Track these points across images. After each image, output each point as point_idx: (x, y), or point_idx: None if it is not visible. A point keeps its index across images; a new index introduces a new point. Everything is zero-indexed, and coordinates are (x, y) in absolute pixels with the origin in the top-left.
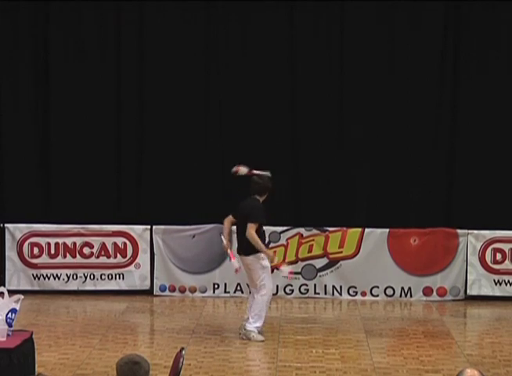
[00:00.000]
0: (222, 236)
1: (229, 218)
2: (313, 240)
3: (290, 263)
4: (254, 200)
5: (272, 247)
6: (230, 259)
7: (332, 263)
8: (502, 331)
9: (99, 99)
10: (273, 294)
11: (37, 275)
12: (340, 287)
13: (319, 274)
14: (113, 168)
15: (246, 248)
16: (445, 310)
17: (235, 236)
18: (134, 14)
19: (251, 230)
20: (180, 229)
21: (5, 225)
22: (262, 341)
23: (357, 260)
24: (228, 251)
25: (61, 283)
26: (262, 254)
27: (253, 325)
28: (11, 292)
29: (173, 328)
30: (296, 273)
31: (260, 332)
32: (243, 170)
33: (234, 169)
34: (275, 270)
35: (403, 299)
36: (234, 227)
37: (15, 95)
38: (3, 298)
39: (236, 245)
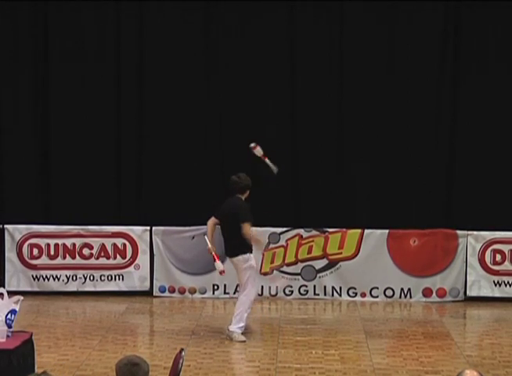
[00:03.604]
0: (206, 238)
1: (213, 220)
2: (313, 241)
3: (290, 264)
4: (237, 199)
5: (272, 248)
6: (214, 260)
7: (331, 264)
8: (501, 332)
9: (99, 99)
10: (273, 296)
11: (36, 276)
12: (340, 288)
13: (318, 275)
14: (112, 168)
15: (233, 249)
16: (444, 311)
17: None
18: (134, 14)
19: (247, 230)
20: (180, 230)
21: (5, 226)
22: (244, 341)
23: (357, 261)
24: (213, 252)
25: (61, 284)
26: (251, 255)
27: (235, 325)
28: (10, 293)
29: (172, 329)
30: (296, 274)
31: (243, 333)
32: (259, 151)
33: (252, 145)
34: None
35: (403, 300)
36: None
37: (15, 96)
38: (3, 299)
39: (223, 246)
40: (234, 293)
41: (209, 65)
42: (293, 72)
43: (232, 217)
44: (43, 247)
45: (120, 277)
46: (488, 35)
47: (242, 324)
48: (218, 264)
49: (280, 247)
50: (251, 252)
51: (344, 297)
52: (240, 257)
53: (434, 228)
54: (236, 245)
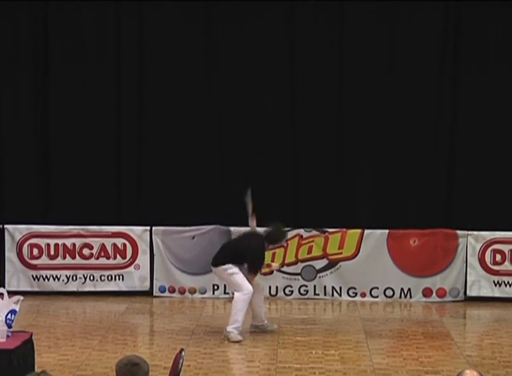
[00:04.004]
0: None
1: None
2: (313, 241)
3: (290, 264)
4: (259, 243)
5: (272, 249)
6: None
7: (331, 264)
8: (501, 332)
9: (99, 99)
10: (273, 295)
11: (36, 276)
12: (340, 288)
13: (318, 275)
14: (112, 168)
15: (218, 259)
16: (444, 311)
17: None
18: (133, 14)
19: (253, 278)
20: (180, 230)
21: (5, 226)
22: (240, 341)
23: (357, 261)
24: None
25: (61, 284)
26: (230, 265)
27: (231, 326)
28: (10, 293)
29: (172, 329)
30: (296, 274)
31: (240, 332)
32: (253, 222)
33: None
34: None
35: (403, 300)
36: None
37: (15, 96)
38: (3, 299)
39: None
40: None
41: (209, 65)
42: (293, 72)
43: (243, 253)
44: (43, 247)
45: (120, 277)
46: (488, 35)
47: (238, 325)
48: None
49: (280, 247)
50: (234, 264)
51: (344, 297)
52: (220, 267)
53: (434, 228)
54: (223, 257)
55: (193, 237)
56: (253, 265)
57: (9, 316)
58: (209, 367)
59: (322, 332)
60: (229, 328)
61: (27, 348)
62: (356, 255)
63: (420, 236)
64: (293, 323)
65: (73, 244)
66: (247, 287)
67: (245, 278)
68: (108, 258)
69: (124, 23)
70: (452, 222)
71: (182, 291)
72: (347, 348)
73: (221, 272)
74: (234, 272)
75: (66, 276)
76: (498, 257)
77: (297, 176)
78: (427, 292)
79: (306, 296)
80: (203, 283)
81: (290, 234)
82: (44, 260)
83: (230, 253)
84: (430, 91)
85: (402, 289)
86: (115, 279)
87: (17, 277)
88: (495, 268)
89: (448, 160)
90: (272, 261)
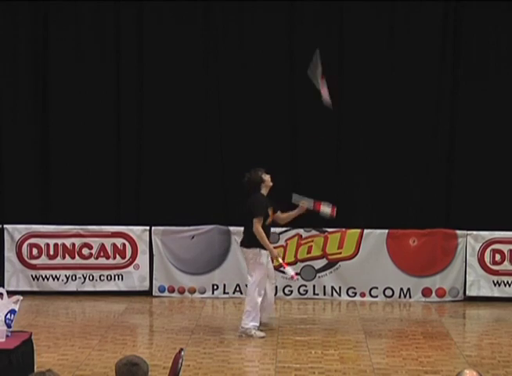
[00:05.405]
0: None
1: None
2: (312, 241)
3: (289, 264)
4: (254, 195)
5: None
6: (283, 267)
7: (331, 264)
8: (501, 332)
9: (99, 99)
10: None
11: (36, 276)
12: (340, 288)
13: (318, 275)
14: (112, 168)
15: (248, 241)
16: (444, 311)
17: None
18: (133, 14)
19: (257, 225)
20: (179, 230)
21: (4, 225)
22: (264, 337)
23: (356, 261)
24: (280, 260)
25: (60, 284)
26: (262, 251)
27: (249, 321)
28: (10, 293)
29: (172, 329)
30: (295, 274)
31: (258, 329)
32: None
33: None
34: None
35: (402, 300)
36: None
37: (14, 96)
38: (2, 298)
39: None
40: (233, 293)
41: (208, 66)
42: (293, 72)
43: (248, 213)
44: (42, 247)
45: (120, 277)
46: (488, 35)
47: (256, 321)
48: (288, 270)
49: (280, 247)
50: (264, 248)
51: (344, 297)
52: (250, 250)
53: (433, 228)
54: (251, 238)
55: (193, 237)
56: (254, 210)
57: (8, 316)
58: (208, 367)
59: (321, 332)
60: (248, 325)
61: (26, 348)
62: (356, 255)
63: (419, 236)
64: (293, 322)
65: (73, 244)
66: (262, 286)
67: (264, 277)
68: (107, 258)
69: (123, 23)
70: (452, 222)
71: (182, 291)
72: (346, 348)
73: (250, 256)
74: (261, 264)
75: (66, 275)
76: (497, 257)
77: (296, 176)
78: (426, 292)
79: (305, 296)
80: (203, 282)
81: (290, 234)
82: (43, 260)
83: (247, 225)
84: (429, 91)
85: (401, 289)
86: (114, 279)
87: (16, 277)
88: (495, 268)
89: (448, 160)
90: (271, 261)
